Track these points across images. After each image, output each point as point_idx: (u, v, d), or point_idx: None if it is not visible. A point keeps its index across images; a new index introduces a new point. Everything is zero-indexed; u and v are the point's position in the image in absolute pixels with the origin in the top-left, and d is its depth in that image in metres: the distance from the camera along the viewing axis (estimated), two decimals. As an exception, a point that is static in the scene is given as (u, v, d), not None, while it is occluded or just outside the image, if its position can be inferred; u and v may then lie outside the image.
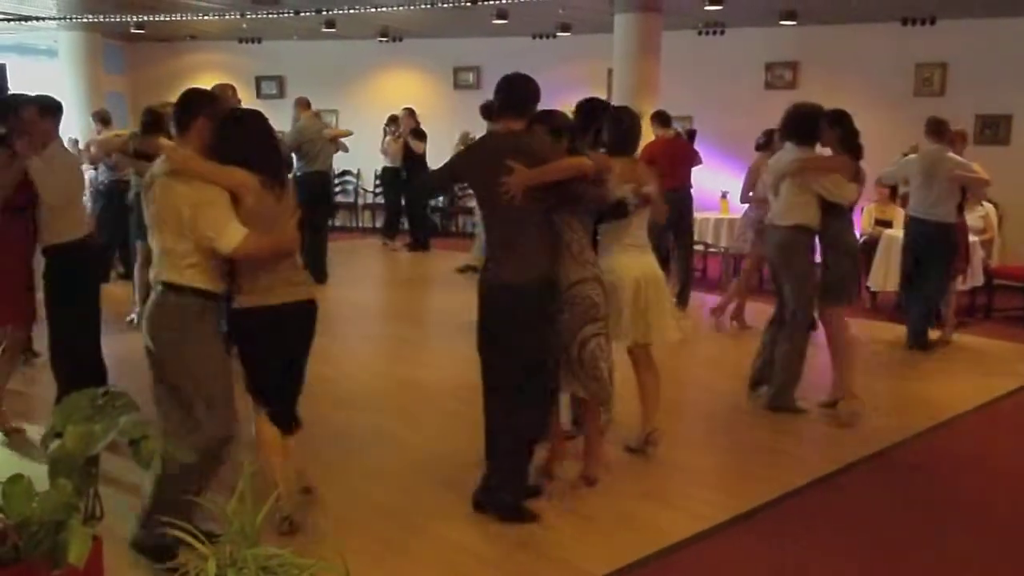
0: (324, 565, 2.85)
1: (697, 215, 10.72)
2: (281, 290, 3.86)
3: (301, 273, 4.03)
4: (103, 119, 10.53)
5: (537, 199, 4.11)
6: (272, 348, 3.91)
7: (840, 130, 5.75)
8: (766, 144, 8.21)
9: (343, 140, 10.74)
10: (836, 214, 5.74)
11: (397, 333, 8.35)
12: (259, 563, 2.74)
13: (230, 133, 3.78)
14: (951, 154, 7.51)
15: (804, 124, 5.72)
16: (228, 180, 3.69)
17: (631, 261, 4.85)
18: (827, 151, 5.83)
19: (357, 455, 5.08)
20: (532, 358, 4.16)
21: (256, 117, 3.93)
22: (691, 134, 10.18)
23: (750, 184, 8.37)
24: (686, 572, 3.91)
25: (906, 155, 7.89)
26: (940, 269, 7.61)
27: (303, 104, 10.41)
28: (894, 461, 5.26)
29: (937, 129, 7.51)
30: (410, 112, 12.70)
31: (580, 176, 4.18)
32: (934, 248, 7.52)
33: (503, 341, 4.15)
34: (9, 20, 13.20)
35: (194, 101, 3.84)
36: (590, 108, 5.00)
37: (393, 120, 12.94)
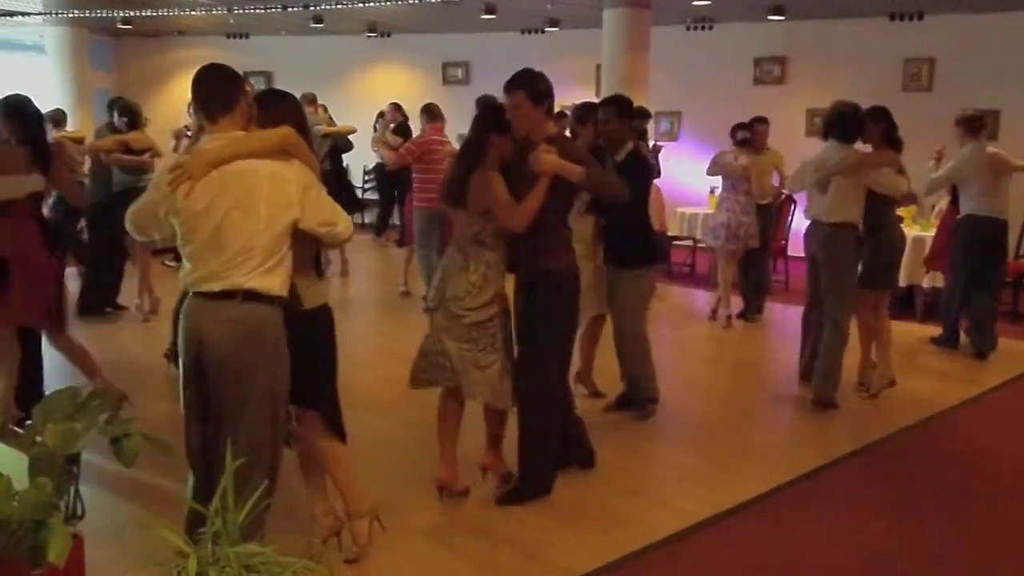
0: (308, 563, 2.84)
1: (685, 210, 10.77)
2: (324, 287, 3.67)
3: None
4: (55, 120, 9.51)
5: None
6: (334, 347, 3.71)
7: (884, 125, 5.97)
8: (747, 141, 8.25)
9: (348, 137, 10.73)
10: (884, 208, 6.00)
11: (386, 330, 8.34)
12: (242, 561, 2.72)
13: (291, 112, 3.50)
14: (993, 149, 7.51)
15: (848, 122, 5.82)
16: (312, 160, 3.38)
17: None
18: (866, 148, 5.97)
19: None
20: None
21: (294, 96, 3.70)
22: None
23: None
24: (670, 569, 3.91)
25: (937, 160, 7.59)
26: (1003, 267, 7.66)
27: (306, 100, 10.35)
28: (881, 455, 5.28)
29: (979, 125, 7.37)
30: (396, 107, 12.53)
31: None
32: (1001, 246, 7.49)
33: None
34: (-6, 15, 13.13)
35: (236, 76, 3.36)
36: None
37: (383, 115, 12.80)
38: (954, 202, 7.66)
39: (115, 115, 8.21)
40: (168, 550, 2.82)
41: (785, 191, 8.85)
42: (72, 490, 2.90)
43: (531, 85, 4.23)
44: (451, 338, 4.23)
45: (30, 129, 5.15)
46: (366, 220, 14.51)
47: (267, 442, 3.29)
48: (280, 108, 3.50)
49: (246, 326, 3.19)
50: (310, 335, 3.52)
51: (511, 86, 4.24)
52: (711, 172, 8.35)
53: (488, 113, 4.41)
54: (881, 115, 6.03)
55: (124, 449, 3.00)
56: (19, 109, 5.17)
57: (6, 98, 5.23)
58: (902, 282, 7.93)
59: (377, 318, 8.76)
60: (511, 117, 4.24)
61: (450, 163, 5.04)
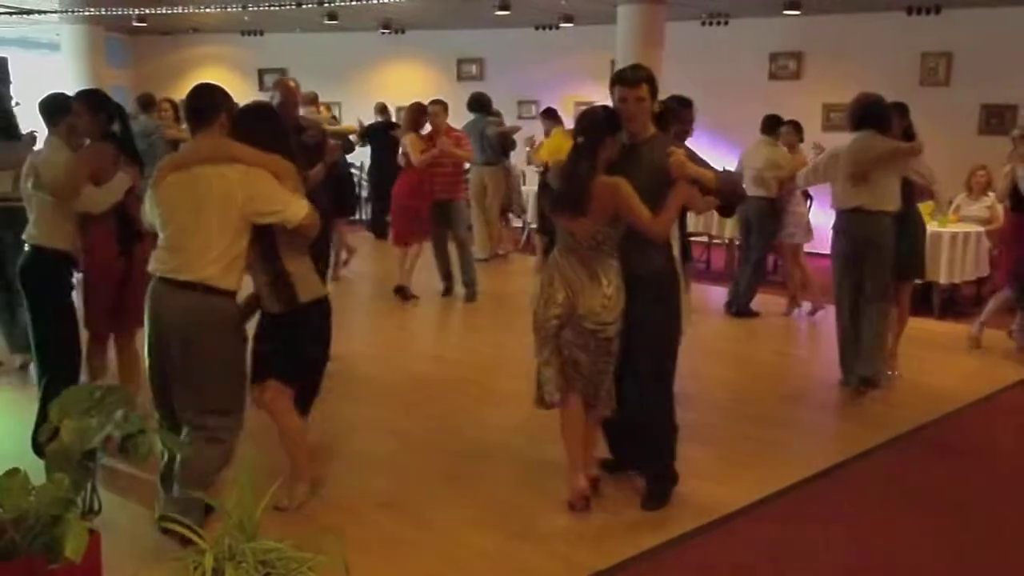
0: (323, 559, 2.84)
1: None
2: (318, 280, 4.13)
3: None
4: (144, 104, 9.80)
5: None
6: (325, 337, 4.17)
7: (906, 120, 6.15)
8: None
9: (351, 137, 10.68)
10: (911, 198, 6.17)
11: (401, 324, 8.34)
12: (258, 556, 2.73)
13: (264, 125, 3.95)
14: None
15: (880, 112, 5.93)
16: (275, 165, 3.79)
17: None
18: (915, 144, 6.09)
19: (359, 447, 5.07)
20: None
21: (275, 112, 4.22)
22: None
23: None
24: (686, 566, 3.89)
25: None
26: None
27: (307, 99, 10.32)
28: (903, 452, 5.24)
29: None
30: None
31: None
32: None
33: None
34: (11, 14, 13.18)
35: (217, 96, 3.88)
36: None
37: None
38: (1015, 208, 7.31)
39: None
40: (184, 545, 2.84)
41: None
42: (89, 486, 2.91)
43: (652, 79, 4.08)
44: (584, 352, 4.08)
45: (116, 121, 4.87)
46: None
47: (232, 406, 3.83)
48: (246, 129, 3.89)
49: (203, 314, 3.69)
50: (305, 326, 4.01)
51: (635, 79, 4.04)
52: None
53: (601, 113, 4.10)
54: (904, 110, 6.17)
55: (138, 445, 3.01)
56: (103, 100, 4.89)
57: (84, 91, 5.04)
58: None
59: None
60: (632, 113, 4.03)
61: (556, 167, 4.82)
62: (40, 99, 4.98)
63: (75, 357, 4.82)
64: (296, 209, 3.75)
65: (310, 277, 4.04)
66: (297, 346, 4.02)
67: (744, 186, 5.71)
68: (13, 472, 2.74)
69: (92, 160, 4.64)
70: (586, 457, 4.33)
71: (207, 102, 3.84)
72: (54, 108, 4.86)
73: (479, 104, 10.70)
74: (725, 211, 4.55)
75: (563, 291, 4.06)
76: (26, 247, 4.78)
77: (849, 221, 6.01)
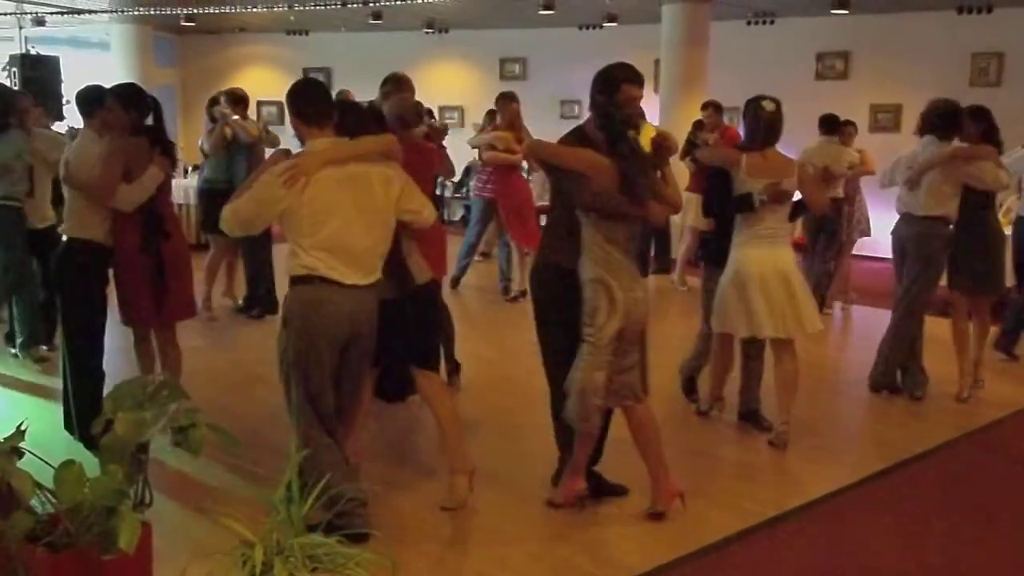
0: (370, 555, 2.85)
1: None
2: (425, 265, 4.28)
3: None
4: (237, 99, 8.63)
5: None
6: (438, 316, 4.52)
7: (984, 124, 5.84)
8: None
9: None
10: (977, 206, 5.84)
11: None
12: (306, 552, 2.76)
13: (374, 126, 4.11)
14: None
15: (946, 119, 5.77)
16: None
17: (759, 254, 4.92)
18: (962, 146, 5.84)
19: (409, 449, 5.11)
20: None
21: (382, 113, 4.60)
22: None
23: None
24: (729, 570, 3.86)
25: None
26: None
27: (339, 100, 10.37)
28: (950, 459, 5.16)
29: None
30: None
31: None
32: None
33: None
34: (62, 13, 13.42)
35: (328, 95, 4.00)
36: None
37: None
38: None
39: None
40: (232, 539, 2.87)
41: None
42: (141, 478, 2.94)
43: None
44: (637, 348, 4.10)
45: (147, 116, 4.86)
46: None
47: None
48: (362, 127, 3.97)
49: (373, 310, 3.86)
50: (421, 306, 4.17)
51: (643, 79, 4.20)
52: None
53: None
54: (982, 115, 5.88)
55: (190, 439, 3.05)
56: (136, 96, 4.83)
57: (118, 85, 4.95)
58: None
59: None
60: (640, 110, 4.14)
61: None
62: (76, 91, 5.02)
63: (100, 349, 4.86)
64: (432, 209, 4.01)
65: (421, 261, 4.21)
66: (423, 327, 4.21)
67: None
68: (69, 464, 2.79)
69: (122, 159, 4.63)
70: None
71: (327, 102, 3.87)
72: (88, 101, 4.86)
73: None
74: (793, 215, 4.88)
75: (640, 287, 4.05)
76: (62, 238, 4.86)
77: (899, 224, 5.98)
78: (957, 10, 11.55)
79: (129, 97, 4.78)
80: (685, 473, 4.70)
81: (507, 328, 8.06)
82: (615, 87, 4.03)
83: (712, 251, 5.39)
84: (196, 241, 9.82)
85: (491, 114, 9.74)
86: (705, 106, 9.20)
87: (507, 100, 8.26)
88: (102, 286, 4.84)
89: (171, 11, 13.41)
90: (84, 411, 4.63)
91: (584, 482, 4.22)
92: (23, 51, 13.64)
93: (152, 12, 13.48)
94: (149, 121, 4.90)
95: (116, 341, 5.45)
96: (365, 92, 11.61)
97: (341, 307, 3.69)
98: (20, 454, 2.86)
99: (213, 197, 7.32)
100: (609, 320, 3.89)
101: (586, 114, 4.27)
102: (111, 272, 4.89)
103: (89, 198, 4.68)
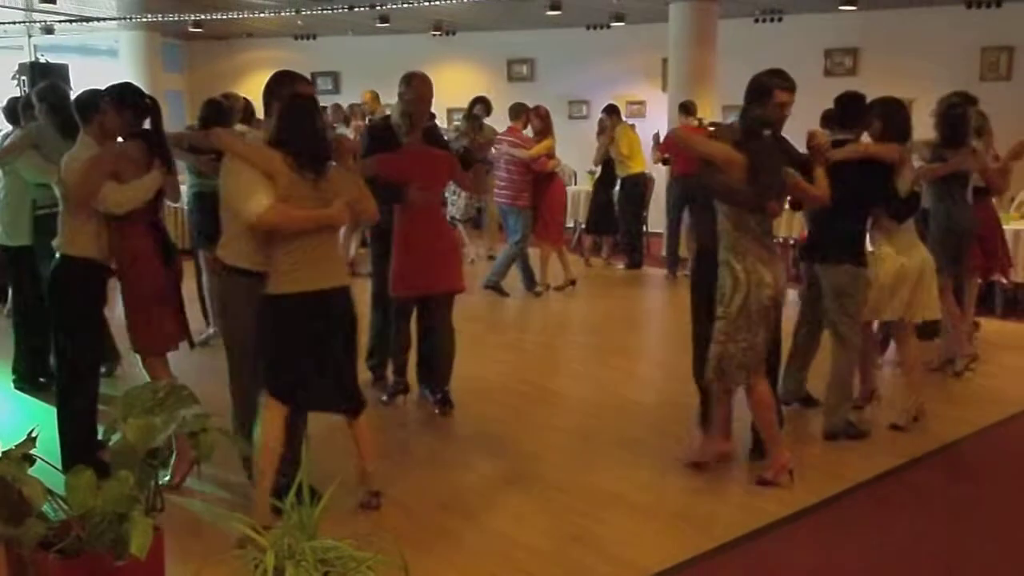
0: (382, 558, 2.85)
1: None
2: (320, 275, 3.90)
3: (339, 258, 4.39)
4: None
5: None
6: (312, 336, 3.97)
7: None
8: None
9: None
10: (952, 183, 6.03)
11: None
12: (317, 555, 2.75)
13: (282, 116, 3.99)
14: None
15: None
16: (256, 157, 3.87)
17: (897, 245, 5.17)
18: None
19: (415, 447, 5.11)
20: None
21: (307, 103, 4.03)
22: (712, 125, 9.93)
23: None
24: (743, 569, 3.84)
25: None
26: None
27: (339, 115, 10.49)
28: (963, 456, 5.13)
29: None
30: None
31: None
32: None
33: None
34: (72, 21, 13.49)
35: (273, 86, 4.19)
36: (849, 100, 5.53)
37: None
38: None
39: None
40: (243, 544, 2.87)
41: None
42: (152, 484, 2.95)
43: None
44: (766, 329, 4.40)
45: (145, 119, 4.52)
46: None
47: None
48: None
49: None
50: None
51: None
52: None
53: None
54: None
55: (201, 444, 3.05)
56: (130, 96, 4.50)
57: (111, 86, 4.54)
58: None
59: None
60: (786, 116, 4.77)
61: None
62: (74, 97, 4.67)
63: (95, 370, 4.62)
64: (252, 207, 3.93)
65: None
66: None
67: None
68: (80, 471, 2.79)
69: (109, 163, 4.30)
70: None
71: (265, 94, 4.28)
72: (85, 106, 4.47)
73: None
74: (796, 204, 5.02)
75: (769, 272, 4.31)
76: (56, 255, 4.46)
77: None
78: (966, 5, 11.51)
79: (122, 96, 4.46)
80: (693, 472, 4.69)
81: (516, 331, 8.04)
82: (768, 93, 4.57)
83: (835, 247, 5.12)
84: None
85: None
86: None
87: (536, 109, 9.32)
88: (97, 306, 4.51)
89: (179, 17, 13.45)
90: (76, 442, 4.36)
91: (729, 443, 4.67)
92: (32, 59, 13.72)
93: (160, 19, 13.53)
94: (147, 124, 4.56)
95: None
96: (373, 95, 11.70)
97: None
98: (31, 461, 2.87)
99: (204, 199, 6.57)
100: (734, 295, 4.30)
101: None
102: (119, 292, 4.54)
103: (77, 207, 4.30)
